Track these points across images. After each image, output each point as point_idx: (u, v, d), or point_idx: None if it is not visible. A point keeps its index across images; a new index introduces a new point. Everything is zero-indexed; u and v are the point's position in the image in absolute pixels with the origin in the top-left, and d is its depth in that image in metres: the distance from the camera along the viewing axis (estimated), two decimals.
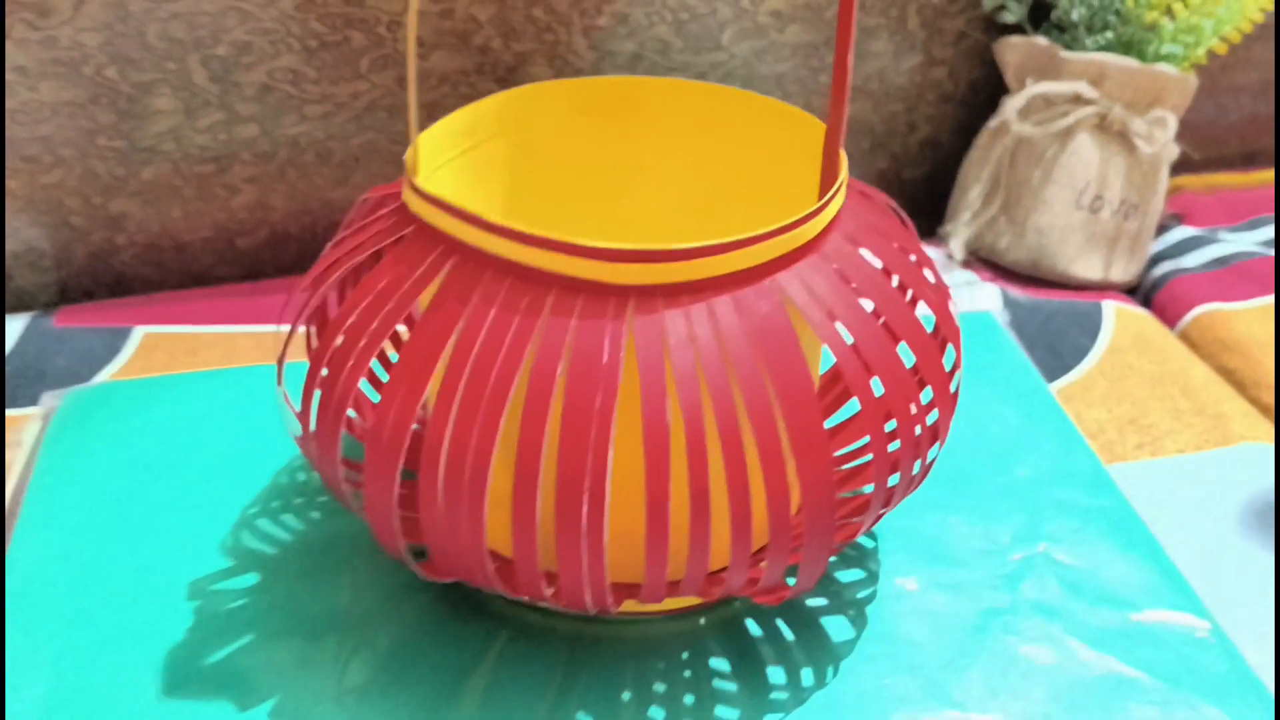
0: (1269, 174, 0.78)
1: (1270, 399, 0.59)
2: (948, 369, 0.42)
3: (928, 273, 0.42)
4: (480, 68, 0.63)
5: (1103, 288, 0.66)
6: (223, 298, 0.63)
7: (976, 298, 0.64)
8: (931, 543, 0.45)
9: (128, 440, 0.49)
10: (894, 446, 0.45)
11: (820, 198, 0.42)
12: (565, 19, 0.63)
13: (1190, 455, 0.53)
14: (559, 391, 0.35)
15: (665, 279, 0.34)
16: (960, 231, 0.66)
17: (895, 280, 0.44)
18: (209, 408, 0.51)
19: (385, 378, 0.47)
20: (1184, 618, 0.43)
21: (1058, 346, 0.60)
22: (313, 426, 0.37)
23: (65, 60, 0.58)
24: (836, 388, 0.47)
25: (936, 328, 0.41)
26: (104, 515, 0.45)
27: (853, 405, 0.51)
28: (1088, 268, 0.65)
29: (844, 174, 0.39)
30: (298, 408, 0.42)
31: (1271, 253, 0.69)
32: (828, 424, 0.48)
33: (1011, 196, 0.65)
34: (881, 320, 0.42)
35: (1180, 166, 0.73)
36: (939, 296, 0.40)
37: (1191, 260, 0.68)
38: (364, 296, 0.36)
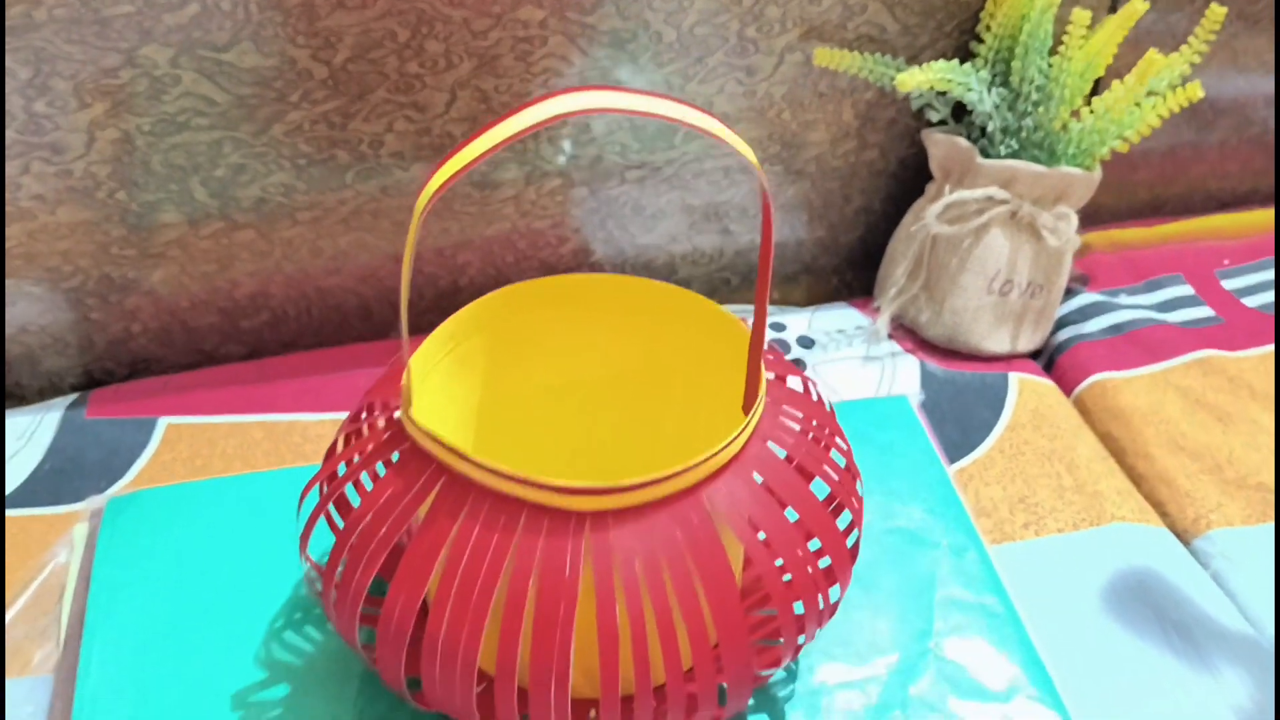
0: (1171, 227, 0.86)
1: (1145, 467, 0.68)
2: (848, 541, 0.50)
3: (836, 454, 0.51)
4: None
5: (1011, 357, 0.74)
6: (232, 384, 0.71)
7: (898, 370, 0.73)
8: (842, 641, 0.55)
9: (169, 553, 0.58)
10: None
11: (744, 405, 0.50)
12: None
13: (1068, 534, 0.63)
14: (531, 600, 0.44)
15: (613, 505, 0.43)
16: (887, 307, 0.74)
17: (811, 444, 0.52)
18: (235, 513, 0.60)
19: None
20: (1044, 712, 0.53)
21: (965, 423, 0.69)
22: (333, 595, 0.46)
23: (79, 188, 0.65)
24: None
25: (835, 500, 0.50)
26: (155, 630, 0.54)
27: None
28: (997, 343, 0.73)
29: (763, 390, 0.47)
30: (319, 587, 0.50)
31: (1163, 318, 0.77)
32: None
33: (931, 278, 0.73)
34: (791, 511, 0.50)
35: (1089, 218, 0.81)
36: (844, 479, 0.49)
37: (1092, 326, 0.76)
38: (372, 505, 0.45)
